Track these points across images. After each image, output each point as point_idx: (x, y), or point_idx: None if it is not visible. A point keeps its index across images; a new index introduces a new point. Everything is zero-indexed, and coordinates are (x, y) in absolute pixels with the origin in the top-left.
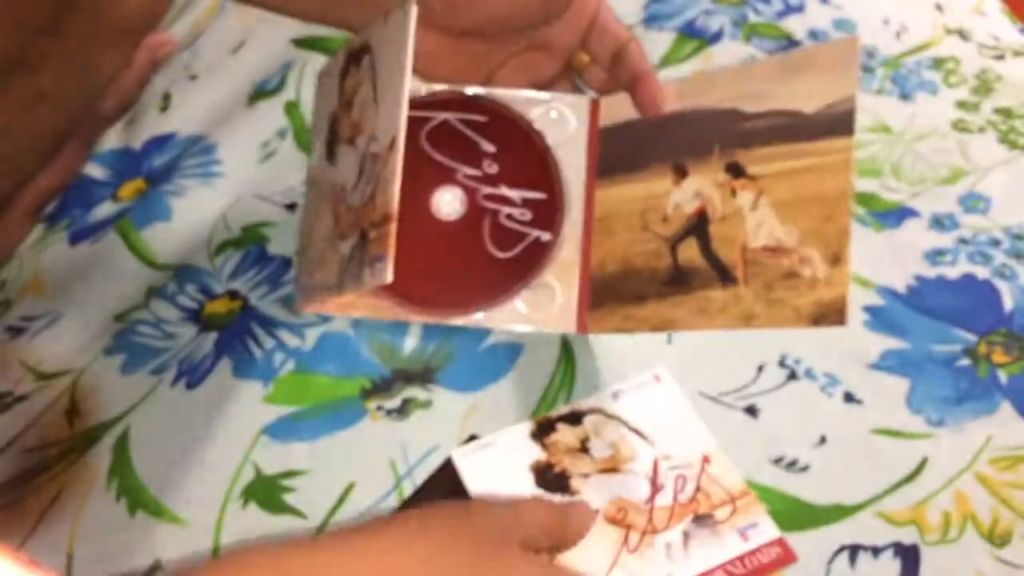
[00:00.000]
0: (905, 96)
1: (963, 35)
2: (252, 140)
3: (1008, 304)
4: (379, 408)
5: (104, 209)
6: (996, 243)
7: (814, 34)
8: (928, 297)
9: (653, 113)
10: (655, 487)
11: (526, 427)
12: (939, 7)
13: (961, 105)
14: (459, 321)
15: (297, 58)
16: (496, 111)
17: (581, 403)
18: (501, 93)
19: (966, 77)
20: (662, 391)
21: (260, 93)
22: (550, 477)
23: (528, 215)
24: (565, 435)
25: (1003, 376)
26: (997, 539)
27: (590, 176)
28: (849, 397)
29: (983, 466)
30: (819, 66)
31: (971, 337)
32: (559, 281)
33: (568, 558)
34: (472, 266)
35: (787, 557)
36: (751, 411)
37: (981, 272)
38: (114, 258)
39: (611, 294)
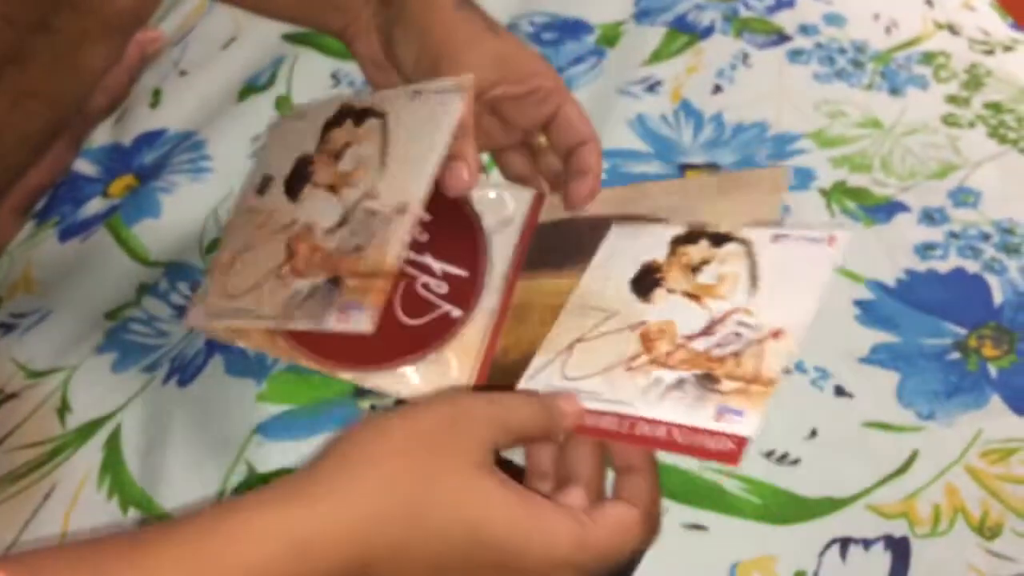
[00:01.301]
0: (895, 91)
1: (953, 30)
2: (242, 135)
3: (998, 298)
4: (372, 407)
5: (94, 206)
6: (986, 237)
7: (804, 28)
8: (918, 291)
9: (573, 206)
10: (707, 331)
11: (672, 231)
12: (929, 2)
13: (951, 100)
14: (347, 376)
15: (288, 53)
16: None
17: (746, 230)
18: None
19: (956, 72)
20: (821, 256)
21: (250, 89)
22: (647, 281)
23: (444, 288)
24: (695, 252)
25: (993, 370)
26: (987, 532)
27: (516, 265)
28: (840, 391)
29: (973, 459)
30: (748, 188)
31: (961, 331)
32: (457, 359)
33: (582, 348)
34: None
35: (730, 458)
36: None
37: (971, 266)
38: (104, 255)
39: (507, 384)
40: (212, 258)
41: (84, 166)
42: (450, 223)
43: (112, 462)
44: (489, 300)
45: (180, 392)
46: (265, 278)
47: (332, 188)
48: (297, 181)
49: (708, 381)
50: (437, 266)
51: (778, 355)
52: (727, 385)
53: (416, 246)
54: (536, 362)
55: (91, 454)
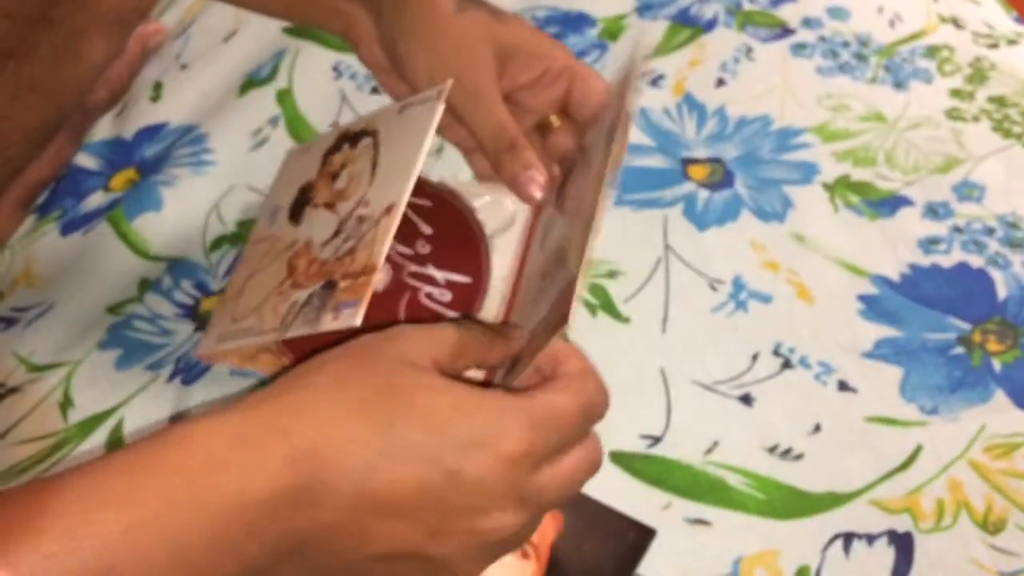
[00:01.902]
0: (899, 85)
1: (957, 23)
2: (243, 129)
3: (1002, 292)
4: None
5: (95, 200)
6: (990, 231)
7: (808, 22)
8: (922, 285)
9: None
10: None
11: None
12: None
13: (955, 94)
14: None
15: (289, 47)
16: (443, 199)
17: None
18: (452, 183)
19: (960, 66)
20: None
21: (252, 82)
22: (300, 203)
23: (448, 296)
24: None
25: (997, 364)
26: (991, 526)
27: (520, 265)
28: (843, 385)
29: (977, 454)
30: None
31: (965, 325)
32: None
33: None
34: None
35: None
36: (746, 400)
37: (975, 260)
38: (106, 249)
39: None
40: (223, 290)
41: (85, 160)
42: (452, 233)
43: None
44: (492, 304)
45: (183, 390)
46: (267, 297)
47: (329, 206)
48: (299, 206)
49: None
50: (440, 276)
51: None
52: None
53: (418, 258)
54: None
55: (93, 449)
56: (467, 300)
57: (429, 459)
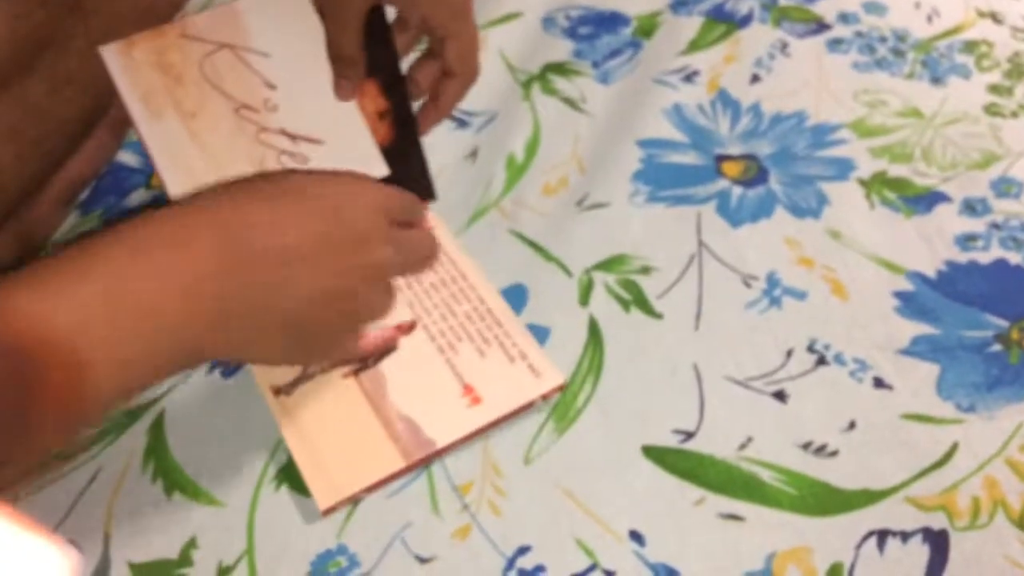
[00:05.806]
0: (937, 80)
1: (995, 18)
2: None
3: None
4: None
5: (138, 197)
6: None
7: (844, 17)
8: (959, 282)
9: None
10: None
11: None
12: None
13: (994, 89)
14: None
15: None
16: None
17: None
18: None
19: (999, 61)
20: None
21: None
22: None
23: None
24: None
25: None
26: None
27: None
28: (879, 382)
29: (1014, 452)
30: None
31: (1003, 323)
32: None
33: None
34: None
35: None
36: (780, 396)
37: (1013, 257)
38: None
39: None
40: None
41: (127, 157)
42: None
43: (157, 446)
44: None
45: (223, 382)
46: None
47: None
48: None
49: None
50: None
51: None
52: None
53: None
54: None
55: (136, 438)
56: None
57: (316, 212)
